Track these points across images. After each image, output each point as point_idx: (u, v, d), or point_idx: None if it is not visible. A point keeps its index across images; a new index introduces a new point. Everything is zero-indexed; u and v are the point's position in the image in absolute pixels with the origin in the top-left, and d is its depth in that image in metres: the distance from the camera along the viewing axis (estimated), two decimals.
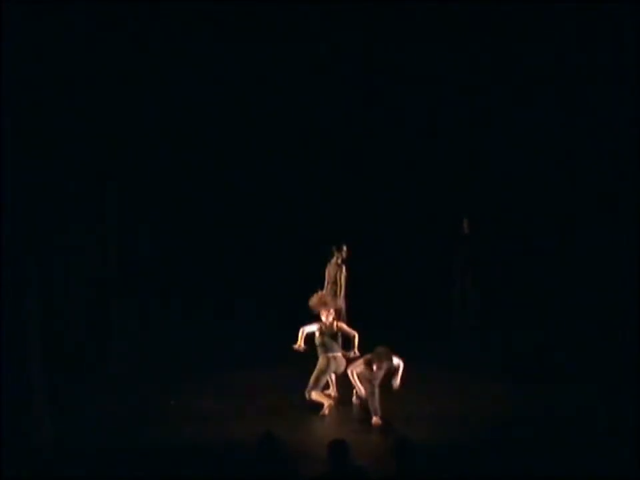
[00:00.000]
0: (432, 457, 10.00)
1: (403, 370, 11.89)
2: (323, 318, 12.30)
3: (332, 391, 12.62)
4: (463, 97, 16.43)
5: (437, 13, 15.25)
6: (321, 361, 12.23)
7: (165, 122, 15.67)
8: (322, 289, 14.08)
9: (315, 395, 12.11)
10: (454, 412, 11.84)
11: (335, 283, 14.62)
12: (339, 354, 12.29)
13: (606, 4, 13.39)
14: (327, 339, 12.24)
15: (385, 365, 11.74)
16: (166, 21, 14.63)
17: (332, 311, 12.41)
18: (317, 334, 12.27)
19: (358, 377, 11.85)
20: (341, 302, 14.63)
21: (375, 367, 11.73)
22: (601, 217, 14.36)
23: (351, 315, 14.68)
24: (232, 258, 16.95)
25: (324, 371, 12.21)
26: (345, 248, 14.67)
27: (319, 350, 12.28)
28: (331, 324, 12.28)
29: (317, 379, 12.19)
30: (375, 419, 11.64)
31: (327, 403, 12.10)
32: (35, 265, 12.50)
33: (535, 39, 14.90)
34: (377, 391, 11.71)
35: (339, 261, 14.63)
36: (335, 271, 14.63)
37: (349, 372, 11.94)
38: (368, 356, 11.82)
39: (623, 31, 13.23)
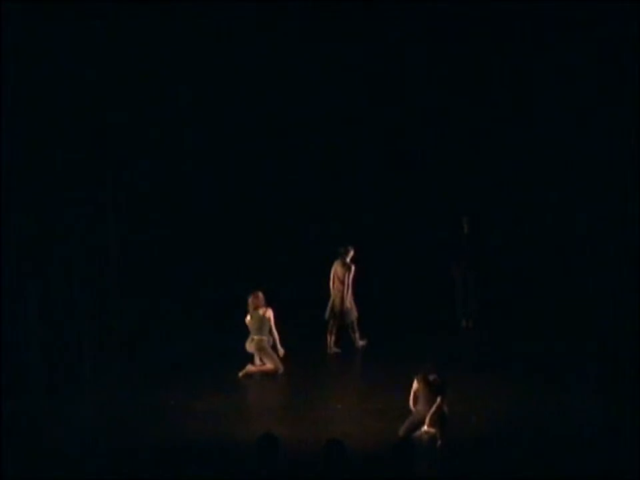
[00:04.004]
0: (432, 456, 10.05)
1: None
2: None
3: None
4: (464, 97, 16.45)
5: (438, 14, 15.30)
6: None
7: (165, 122, 15.68)
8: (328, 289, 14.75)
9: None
10: (454, 412, 11.82)
11: (342, 282, 14.59)
12: None
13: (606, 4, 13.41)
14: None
15: None
16: (166, 21, 14.67)
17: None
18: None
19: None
20: (348, 302, 14.61)
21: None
22: (601, 217, 14.34)
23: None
24: (234, 257, 16.93)
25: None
26: (351, 248, 14.66)
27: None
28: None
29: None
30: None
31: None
32: (34, 266, 12.54)
33: (535, 40, 14.94)
34: None
35: (347, 261, 14.62)
36: (342, 271, 14.61)
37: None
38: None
39: (623, 31, 13.24)
